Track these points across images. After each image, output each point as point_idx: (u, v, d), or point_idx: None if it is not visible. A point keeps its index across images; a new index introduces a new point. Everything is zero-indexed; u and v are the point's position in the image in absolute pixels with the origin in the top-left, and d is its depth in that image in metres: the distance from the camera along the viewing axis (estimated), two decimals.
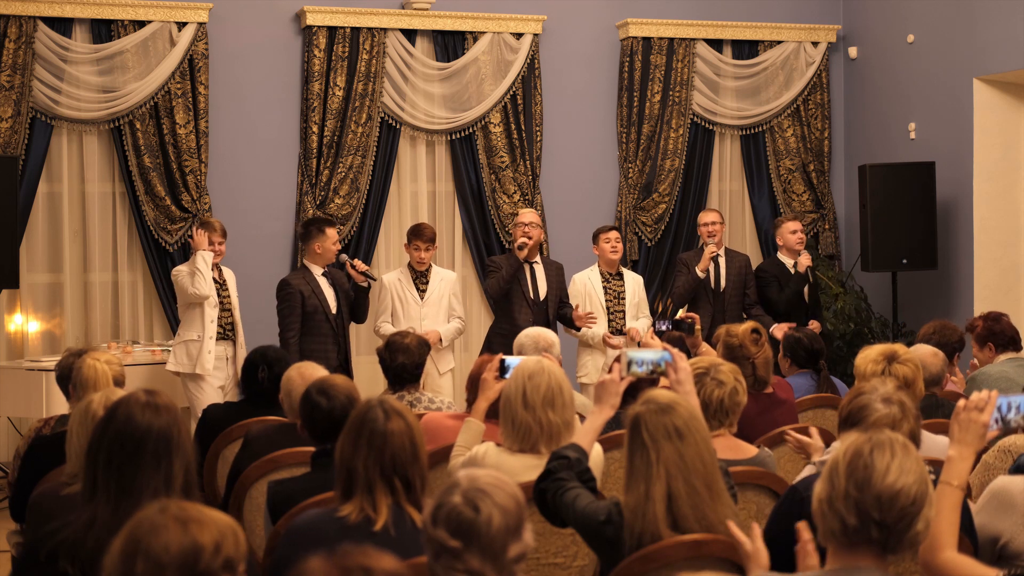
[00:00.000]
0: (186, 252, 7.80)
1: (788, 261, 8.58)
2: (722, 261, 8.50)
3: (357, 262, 7.63)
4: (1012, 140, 9.18)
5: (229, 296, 7.70)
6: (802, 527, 2.96)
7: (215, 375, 7.54)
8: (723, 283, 8.46)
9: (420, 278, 7.94)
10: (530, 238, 7.93)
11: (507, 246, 8.62)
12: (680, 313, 6.19)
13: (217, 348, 7.56)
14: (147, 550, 2.29)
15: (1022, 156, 9.21)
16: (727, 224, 10.04)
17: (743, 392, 4.43)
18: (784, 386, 5.62)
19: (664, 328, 6.12)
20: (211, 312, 7.52)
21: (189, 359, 7.52)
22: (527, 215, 8.15)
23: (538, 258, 8.08)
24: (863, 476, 2.66)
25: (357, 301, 7.68)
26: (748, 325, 5.55)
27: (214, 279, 7.61)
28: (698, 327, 6.25)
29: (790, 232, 8.59)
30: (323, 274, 7.66)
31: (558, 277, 8.14)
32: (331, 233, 7.66)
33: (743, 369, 5.26)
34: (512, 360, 4.47)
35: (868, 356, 4.64)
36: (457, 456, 4.38)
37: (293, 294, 7.50)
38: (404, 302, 7.88)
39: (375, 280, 7.61)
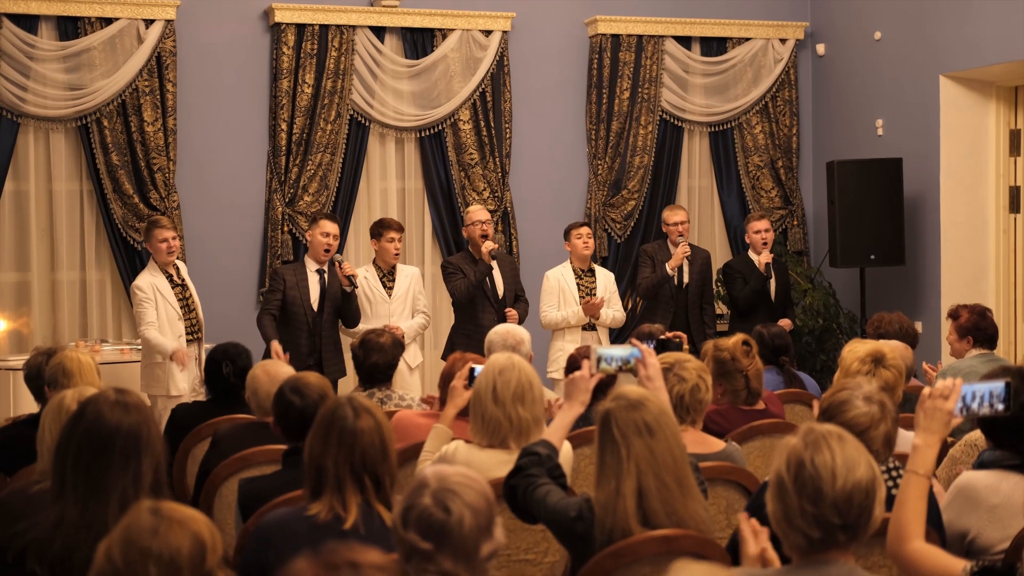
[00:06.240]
0: None
1: (756, 258, 8.64)
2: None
3: (346, 265, 7.62)
4: (978, 137, 9.23)
5: (192, 296, 7.49)
6: (742, 518, 2.94)
7: (184, 378, 7.42)
8: (686, 279, 8.51)
9: (387, 276, 7.93)
10: (487, 236, 7.94)
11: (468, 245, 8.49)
12: (668, 333, 6.03)
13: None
14: (158, 555, 2.33)
15: (988, 153, 9.27)
16: (696, 220, 10.13)
17: (707, 390, 4.40)
18: (775, 400, 5.44)
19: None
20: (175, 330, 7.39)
21: (159, 383, 7.31)
22: (481, 212, 8.15)
23: None
24: (813, 488, 2.65)
25: (343, 305, 7.65)
26: (738, 338, 5.31)
27: (174, 281, 7.44)
28: (686, 347, 6.15)
29: (754, 231, 8.70)
30: (317, 271, 7.65)
31: (512, 270, 8.16)
32: (323, 224, 7.70)
33: (735, 383, 5.16)
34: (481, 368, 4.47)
35: (856, 353, 4.52)
36: (424, 461, 4.37)
37: (277, 280, 7.68)
38: (372, 300, 7.87)
39: (355, 287, 7.57)
